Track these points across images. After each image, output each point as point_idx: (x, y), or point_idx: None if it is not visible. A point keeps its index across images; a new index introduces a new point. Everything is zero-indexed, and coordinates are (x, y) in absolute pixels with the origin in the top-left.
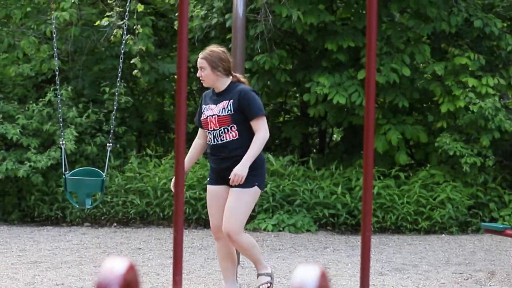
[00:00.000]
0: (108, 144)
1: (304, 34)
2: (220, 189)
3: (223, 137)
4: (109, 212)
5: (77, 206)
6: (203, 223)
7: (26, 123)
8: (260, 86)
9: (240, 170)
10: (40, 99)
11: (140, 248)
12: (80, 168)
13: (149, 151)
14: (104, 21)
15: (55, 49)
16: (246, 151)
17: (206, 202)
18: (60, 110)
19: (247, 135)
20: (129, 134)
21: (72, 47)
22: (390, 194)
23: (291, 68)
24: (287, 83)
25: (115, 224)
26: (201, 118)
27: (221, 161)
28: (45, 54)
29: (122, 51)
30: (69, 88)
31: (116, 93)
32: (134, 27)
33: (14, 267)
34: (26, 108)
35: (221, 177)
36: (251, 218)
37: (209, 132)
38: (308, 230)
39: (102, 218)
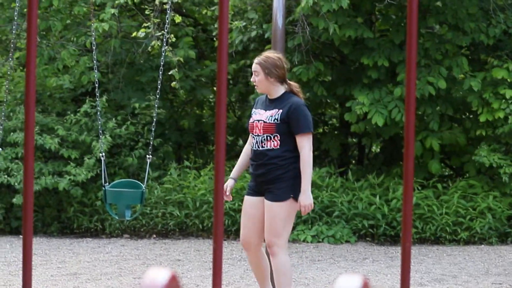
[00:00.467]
0: (147, 156)
1: (341, 47)
2: (256, 200)
3: (264, 144)
4: (148, 223)
5: (117, 217)
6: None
7: (65, 134)
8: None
9: (304, 200)
10: (78, 110)
11: (179, 260)
12: (120, 180)
13: (187, 163)
14: (141, 32)
15: (95, 61)
16: (283, 161)
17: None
18: (100, 122)
19: (288, 147)
20: (167, 146)
21: (111, 59)
22: (429, 204)
23: (330, 80)
24: (325, 95)
25: (154, 235)
26: (249, 121)
27: (257, 167)
28: (84, 66)
29: (162, 63)
30: (104, 98)
31: (156, 105)
32: (171, 37)
33: (54, 279)
34: (65, 120)
35: (257, 186)
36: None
37: (253, 137)
38: (347, 241)
39: (141, 229)
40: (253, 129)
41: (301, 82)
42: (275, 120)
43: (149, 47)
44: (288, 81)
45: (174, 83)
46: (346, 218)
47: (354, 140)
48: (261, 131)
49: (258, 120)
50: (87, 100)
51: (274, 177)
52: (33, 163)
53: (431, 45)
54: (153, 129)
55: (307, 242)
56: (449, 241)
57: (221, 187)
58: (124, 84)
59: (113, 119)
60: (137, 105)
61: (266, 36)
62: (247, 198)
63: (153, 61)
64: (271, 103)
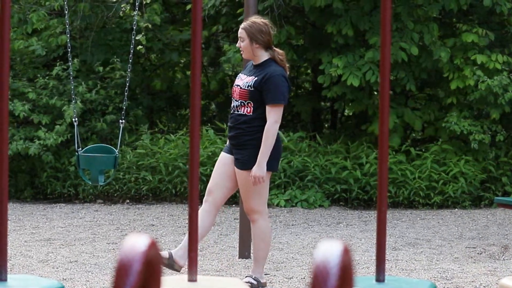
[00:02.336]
0: (120, 121)
1: (309, 13)
2: (228, 157)
3: (239, 108)
4: (121, 189)
5: (90, 183)
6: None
7: (36, 99)
8: None
9: (257, 171)
10: (48, 73)
11: (153, 225)
12: (93, 145)
13: (161, 126)
14: None
15: (67, 25)
16: (251, 129)
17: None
18: (72, 86)
19: (259, 116)
20: (138, 110)
21: (82, 23)
22: (402, 169)
23: (302, 45)
24: (296, 59)
25: (128, 201)
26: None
27: (230, 129)
28: (55, 29)
29: (134, 27)
30: (76, 61)
31: (129, 69)
32: (143, 2)
33: (28, 245)
34: (36, 83)
35: (231, 147)
36: None
37: (232, 100)
38: (320, 206)
39: (115, 195)
40: (233, 93)
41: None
42: (249, 87)
43: (120, 11)
44: (274, 48)
45: (140, 47)
46: (319, 183)
47: (327, 104)
48: (237, 96)
49: (237, 85)
50: (58, 64)
51: (241, 142)
52: (7, 130)
53: (403, 10)
54: (126, 93)
55: (281, 206)
56: (423, 205)
57: (196, 151)
58: (94, 48)
59: (83, 83)
60: (101, 68)
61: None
62: (221, 154)
63: (123, 25)
64: (253, 69)
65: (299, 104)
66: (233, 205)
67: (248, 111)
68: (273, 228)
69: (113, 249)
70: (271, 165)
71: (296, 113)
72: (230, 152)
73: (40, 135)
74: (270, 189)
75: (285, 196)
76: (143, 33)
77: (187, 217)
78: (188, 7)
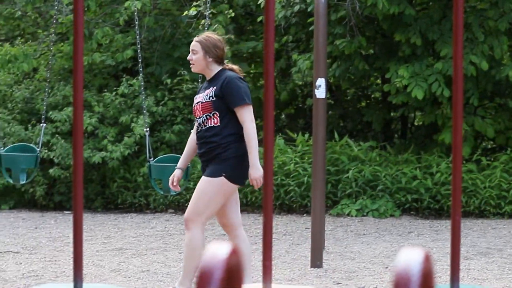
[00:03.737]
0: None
1: (382, 22)
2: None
3: (206, 123)
4: None
5: (162, 193)
6: (286, 209)
7: (104, 112)
8: (341, 71)
9: (253, 173)
10: (115, 88)
11: (224, 234)
12: (164, 155)
13: None
14: (192, 11)
15: (137, 37)
16: (223, 140)
17: (288, 188)
18: (143, 97)
19: (229, 124)
20: None
21: (150, 35)
22: (472, 178)
23: (373, 54)
24: (366, 69)
25: None
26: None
27: (200, 146)
28: (119, 44)
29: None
30: (141, 76)
31: (199, 80)
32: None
33: (99, 254)
34: (104, 96)
35: (203, 166)
36: (334, 203)
37: (196, 120)
38: (391, 215)
39: (186, 204)
40: (195, 113)
41: (343, 56)
42: (211, 98)
43: (194, 24)
44: (226, 64)
45: None
46: (390, 192)
47: (397, 113)
48: (201, 112)
49: (197, 102)
50: (124, 79)
51: (213, 155)
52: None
53: (473, 21)
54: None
55: (352, 216)
56: (494, 215)
57: (270, 161)
58: (161, 60)
59: (150, 97)
60: (169, 80)
61: (309, 10)
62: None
63: (190, 35)
64: (208, 84)
65: (370, 114)
66: (304, 215)
67: (216, 121)
68: (344, 237)
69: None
70: (237, 178)
71: (366, 122)
72: (202, 171)
73: (108, 147)
74: (342, 198)
75: (356, 205)
76: None
77: (259, 226)
78: (259, 18)
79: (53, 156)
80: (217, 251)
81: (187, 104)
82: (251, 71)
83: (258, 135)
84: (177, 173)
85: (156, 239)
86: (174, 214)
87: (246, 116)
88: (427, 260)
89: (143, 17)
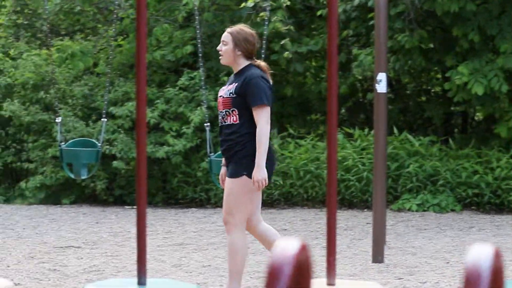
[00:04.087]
0: None
1: (443, 16)
2: (224, 172)
3: (225, 119)
4: None
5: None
6: (347, 204)
7: (165, 107)
8: (400, 65)
9: (257, 173)
10: (177, 82)
11: (285, 229)
12: None
13: (291, 131)
14: (250, 3)
15: (197, 32)
16: (240, 138)
17: (348, 183)
18: (203, 92)
19: (247, 122)
20: None
21: (209, 30)
22: None
23: (433, 49)
24: (427, 63)
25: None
26: None
27: (221, 142)
28: (178, 40)
29: (266, 32)
30: (201, 70)
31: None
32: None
33: (161, 249)
34: (164, 92)
35: (225, 162)
36: (395, 198)
37: (219, 113)
38: (452, 210)
39: None
40: (218, 106)
41: (403, 50)
42: (231, 94)
43: (253, 16)
44: (255, 59)
45: (286, 53)
46: (450, 187)
47: (457, 108)
48: (222, 106)
49: (220, 96)
50: (185, 72)
51: (233, 153)
52: (145, 136)
53: None
54: None
55: (413, 211)
56: None
57: (334, 155)
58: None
59: (208, 92)
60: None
61: (369, 4)
62: (221, 173)
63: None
64: (233, 78)
65: (430, 108)
66: (365, 210)
67: (234, 119)
68: (405, 232)
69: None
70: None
71: (426, 117)
72: (225, 165)
73: (169, 140)
74: (402, 193)
75: (417, 200)
76: (288, 39)
77: (320, 221)
78: (319, 12)
79: (115, 151)
80: (287, 247)
81: None
82: (312, 65)
83: (320, 129)
84: (223, 171)
85: (217, 234)
86: None
87: (262, 116)
88: (497, 256)
89: (202, 12)
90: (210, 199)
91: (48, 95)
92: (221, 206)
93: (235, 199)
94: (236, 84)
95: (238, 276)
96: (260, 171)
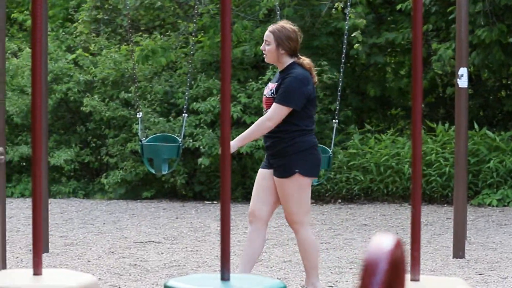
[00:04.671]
0: (334, 121)
1: None
2: (267, 172)
3: None
4: (333, 188)
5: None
6: (427, 199)
7: (248, 101)
8: (480, 60)
9: (232, 144)
10: (260, 77)
11: (365, 225)
12: None
13: (369, 127)
14: None
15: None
16: (287, 135)
17: (429, 178)
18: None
19: (290, 118)
20: (347, 110)
21: None
22: None
23: (511, 43)
24: (506, 58)
25: (340, 200)
26: None
27: (265, 138)
28: (259, 37)
29: (347, 26)
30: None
31: (341, 69)
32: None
33: (241, 245)
34: (247, 87)
35: (268, 158)
36: (475, 193)
37: (264, 112)
38: None
39: (326, 194)
40: (263, 104)
41: (483, 45)
42: (272, 94)
43: (332, 10)
44: (300, 56)
45: (356, 45)
46: None
47: None
48: (265, 106)
49: (264, 95)
50: (270, 67)
51: (278, 150)
52: (230, 131)
53: None
54: (339, 94)
55: (493, 206)
56: None
57: (419, 151)
58: (301, 51)
59: None
60: (326, 67)
61: None
62: (260, 171)
63: (329, 25)
64: (278, 76)
65: (510, 103)
66: (445, 205)
67: None
68: (486, 227)
69: (326, 249)
70: (310, 171)
71: (506, 112)
72: (267, 166)
73: None
74: (482, 188)
75: (497, 195)
76: (359, 31)
77: (400, 216)
78: (398, 7)
79: (199, 146)
80: (382, 243)
81: (328, 94)
82: (391, 61)
83: (400, 124)
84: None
85: None
86: (314, 204)
87: (274, 113)
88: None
89: (282, 8)
90: None
91: (128, 91)
92: None
93: (293, 198)
94: (278, 83)
95: (315, 271)
96: (233, 143)
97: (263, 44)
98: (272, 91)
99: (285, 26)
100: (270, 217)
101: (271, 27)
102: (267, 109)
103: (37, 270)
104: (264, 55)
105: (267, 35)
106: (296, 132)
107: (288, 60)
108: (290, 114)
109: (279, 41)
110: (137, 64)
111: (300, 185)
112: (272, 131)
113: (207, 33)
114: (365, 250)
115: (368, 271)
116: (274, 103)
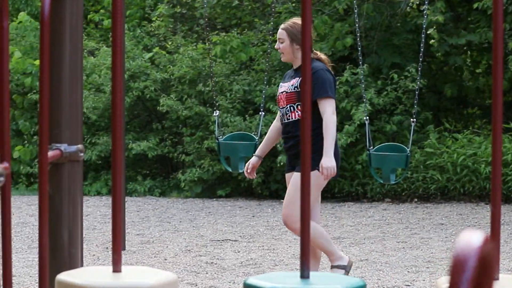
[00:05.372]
0: (412, 120)
1: None
2: (289, 175)
3: (289, 115)
4: (409, 187)
5: (381, 181)
6: (504, 198)
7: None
8: None
9: (326, 162)
10: (337, 77)
11: (442, 224)
12: (384, 144)
13: (447, 125)
14: None
15: (356, 25)
16: (312, 133)
17: (506, 178)
18: (362, 86)
19: (313, 117)
20: (425, 111)
21: (367, 23)
22: None
23: None
24: None
25: (416, 199)
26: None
27: (285, 139)
28: (338, 32)
29: (424, 24)
30: (365, 66)
31: (419, 68)
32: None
33: None
34: None
35: (289, 160)
36: None
37: (280, 110)
38: None
39: (403, 194)
40: (279, 102)
41: None
42: (295, 88)
43: (407, 7)
44: (315, 51)
45: (432, 41)
46: None
47: None
48: (285, 102)
49: (282, 92)
50: (347, 67)
51: (299, 150)
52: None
53: None
54: (416, 96)
55: None
56: None
57: (499, 150)
58: (379, 49)
59: (372, 89)
60: (396, 76)
61: None
62: (286, 176)
63: (407, 23)
64: (294, 73)
65: None
66: None
67: (300, 115)
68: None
69: (403, 248)
70: None
71: None
72: (289, 169)
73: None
74: None
75: None
76: (434, 27)
77: (476, 216)
78: (475, 5)
79: (276, 144)
80: (471, 239)
81: (409, 97)
82: (468, 60)
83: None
84: (253, 161)
85: (373, 228)
86: (391, 203)
87: (328, 107)
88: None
89: (362, 4)
90: (366, 193)
91: (205, 89)
92: (377, 201)
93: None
94: (300, 78)
95: (332, 248)
96: (329, 160)
97: (277, 43)
98: (295, 86)
99: (296, 22)
100: (319, 215)
101: (283, 25)
102: (286, 105)
103: (116, 267)
104: (281, 54)
105: (280, 33)
106: (317, 130)
107: None
108: (312, 111)
109: (292, 37)
110: (214, 62)
111: (314, 183)
112: (292, 131)
113: None
114: (454, 247)
115: (457, 267)
116: (320, 100)
